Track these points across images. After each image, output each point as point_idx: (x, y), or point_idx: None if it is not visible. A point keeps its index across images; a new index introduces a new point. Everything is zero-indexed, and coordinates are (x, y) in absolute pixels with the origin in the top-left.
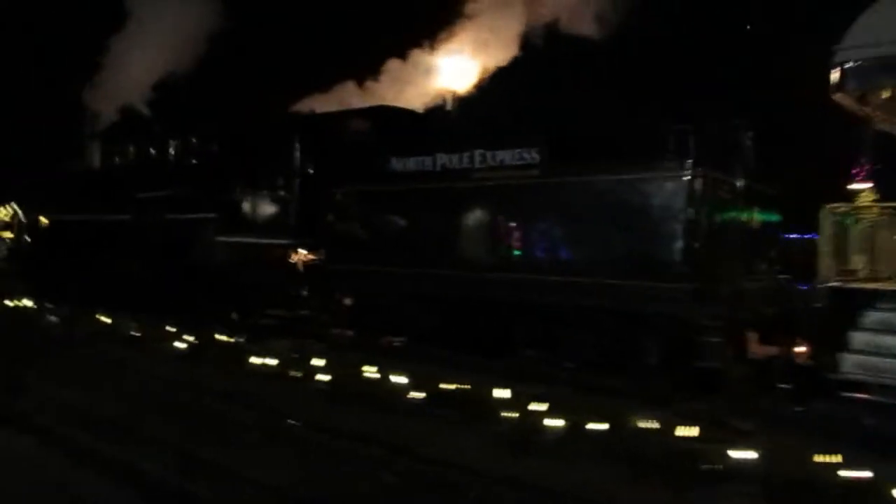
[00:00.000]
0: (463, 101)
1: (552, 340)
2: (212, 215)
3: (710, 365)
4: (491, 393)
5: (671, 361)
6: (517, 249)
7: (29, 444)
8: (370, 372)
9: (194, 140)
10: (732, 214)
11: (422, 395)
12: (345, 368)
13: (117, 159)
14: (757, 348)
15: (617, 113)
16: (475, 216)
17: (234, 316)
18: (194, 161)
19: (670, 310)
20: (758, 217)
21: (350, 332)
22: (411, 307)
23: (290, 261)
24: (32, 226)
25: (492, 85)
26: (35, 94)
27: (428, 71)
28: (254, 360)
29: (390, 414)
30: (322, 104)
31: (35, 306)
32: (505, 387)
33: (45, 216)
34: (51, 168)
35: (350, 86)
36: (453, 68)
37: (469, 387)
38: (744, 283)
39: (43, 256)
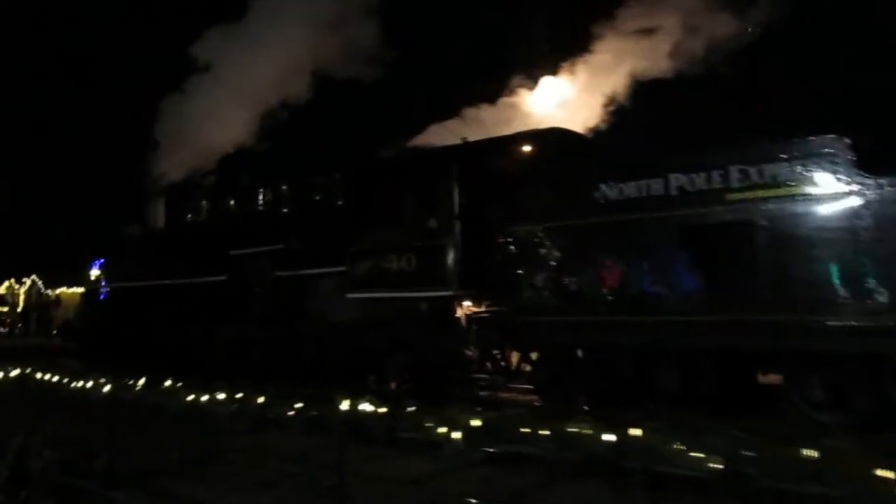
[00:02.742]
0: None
1: (860, 396)
2: (338, 269)
3: None
4: None
5: None
6: (795, 283)
7: None
8: None
9: (286, 188)
10: None
11: None
12: None
13: (189, 216)
14: None
15: None
16: (730, 246)
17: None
18: (299, 210)
19: None
20: None
21: (534, 397)
22: (630, 362)
23: (454, 315)
24: (90, 297)
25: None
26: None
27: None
28: None
29: None
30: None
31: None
32: None
33: (108, 284)
34: (108, 232)
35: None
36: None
37: None
38: None
39: (110, 329)
